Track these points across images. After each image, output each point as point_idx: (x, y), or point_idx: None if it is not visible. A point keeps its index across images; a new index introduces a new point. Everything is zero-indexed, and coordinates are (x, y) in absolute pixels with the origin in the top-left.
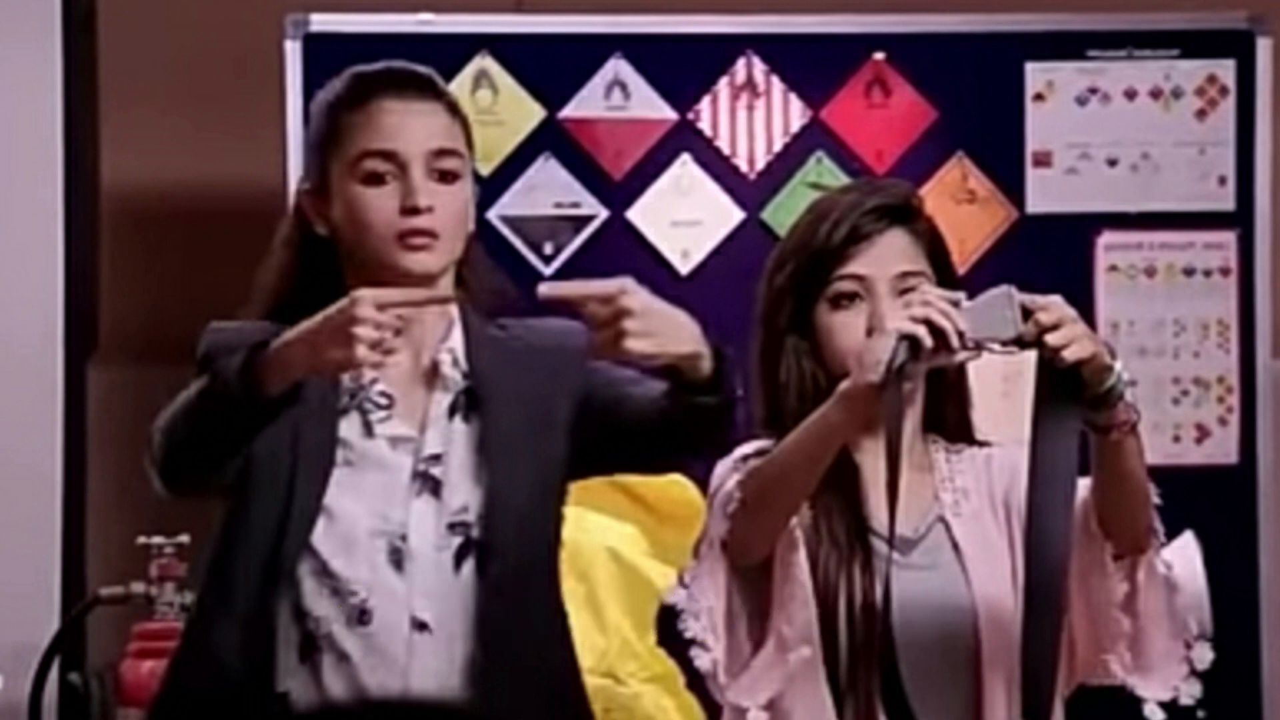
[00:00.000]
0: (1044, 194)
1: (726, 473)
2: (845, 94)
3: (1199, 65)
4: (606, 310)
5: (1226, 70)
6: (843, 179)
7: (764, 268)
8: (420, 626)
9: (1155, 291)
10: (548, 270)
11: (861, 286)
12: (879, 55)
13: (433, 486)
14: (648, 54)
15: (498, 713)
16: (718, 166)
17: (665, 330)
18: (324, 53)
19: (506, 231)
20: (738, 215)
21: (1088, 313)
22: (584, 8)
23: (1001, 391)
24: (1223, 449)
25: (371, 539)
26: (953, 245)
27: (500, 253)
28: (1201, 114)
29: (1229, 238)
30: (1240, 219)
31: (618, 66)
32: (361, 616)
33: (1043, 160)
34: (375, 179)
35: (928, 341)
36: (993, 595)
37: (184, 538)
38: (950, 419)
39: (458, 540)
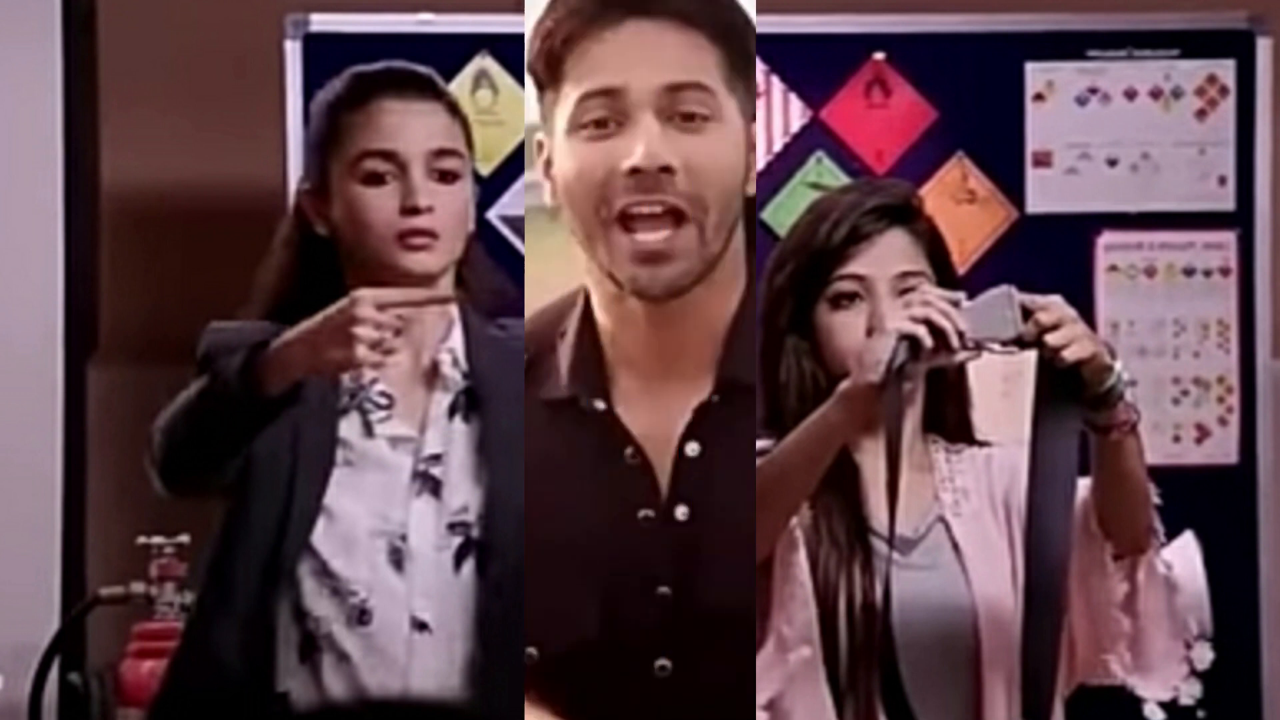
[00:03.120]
0: (1044, 194)
1: None
2: (845, 94)
3: (1199, 65)
4: None
5: (1226, 70)
6: (843, 179)
7: (764, 268)
8: (420, 626)
9: (1155, 291)
10: None
11: (861, 286)
12: (879, 55)
13: (433, 486)
14: None
15: (498, 713)
16: None
17: None
18: (324, 53)
19: (506, 231)
20: None
21: (1088, 313)
22: None
23: (1001, 391)
24: (1223, 449)
25: (371, 539)
26: (953, 245)
27: (500, 253)
28: (1201, 114)
29: (1229, 238)
30: (1240, 219)
31: None
32: (361, 616)
33: (1043, 160)
34: (375, 179)
35: (928, 341)
36: (993, 595)
37: (184, 538)
38: (950, 419)
39: (458, 540)
